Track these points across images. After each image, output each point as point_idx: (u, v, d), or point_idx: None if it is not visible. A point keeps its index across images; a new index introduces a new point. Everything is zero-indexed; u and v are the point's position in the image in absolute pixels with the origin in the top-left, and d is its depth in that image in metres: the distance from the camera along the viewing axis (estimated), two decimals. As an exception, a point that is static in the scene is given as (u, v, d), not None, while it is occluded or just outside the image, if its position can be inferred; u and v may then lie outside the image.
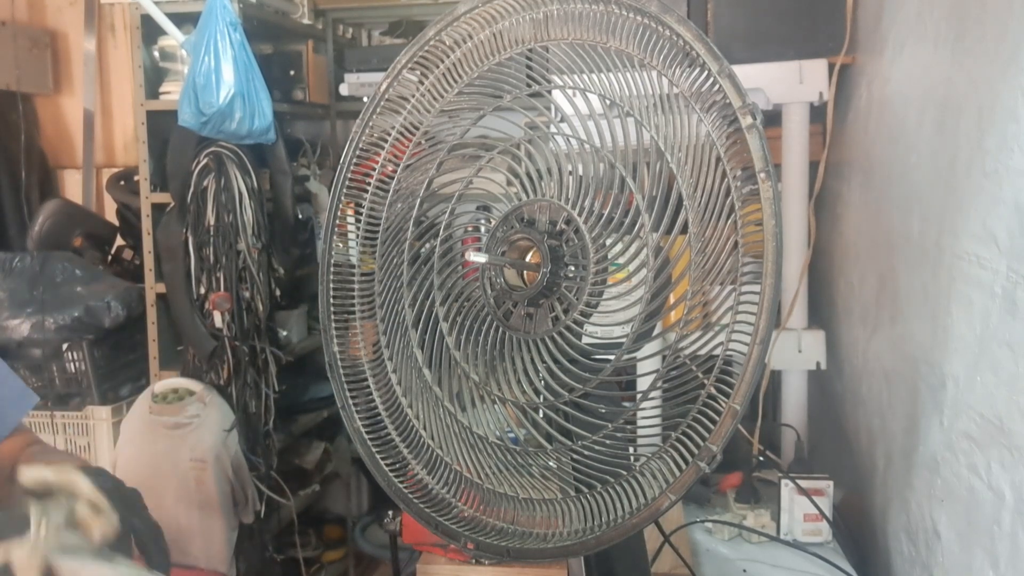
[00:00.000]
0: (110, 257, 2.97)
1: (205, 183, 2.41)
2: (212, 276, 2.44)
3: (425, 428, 1.15)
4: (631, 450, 1.03)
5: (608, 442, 1.00)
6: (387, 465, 1.18)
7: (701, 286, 0.95)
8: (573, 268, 1.03)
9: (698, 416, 0.93)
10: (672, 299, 0.99)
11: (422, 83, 1.17)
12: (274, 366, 2.52)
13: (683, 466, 0.94)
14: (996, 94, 1.20)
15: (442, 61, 1.15)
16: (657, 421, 1.01)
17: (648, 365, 1.03)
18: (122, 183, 2.93)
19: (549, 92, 1.07)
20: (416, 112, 1.18)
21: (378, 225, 1.20)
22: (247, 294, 2.47)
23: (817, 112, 2.07)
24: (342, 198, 1.23)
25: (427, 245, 1.16)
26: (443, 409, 1.13)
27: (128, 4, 2.54)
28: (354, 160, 1.22)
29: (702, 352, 0.95)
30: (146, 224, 2.58)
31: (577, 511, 1.02)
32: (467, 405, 1.12)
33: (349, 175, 1.22)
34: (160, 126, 2.53)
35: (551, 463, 1.05)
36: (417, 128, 1.18)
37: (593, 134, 1.02)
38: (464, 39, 1.13)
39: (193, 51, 2.24)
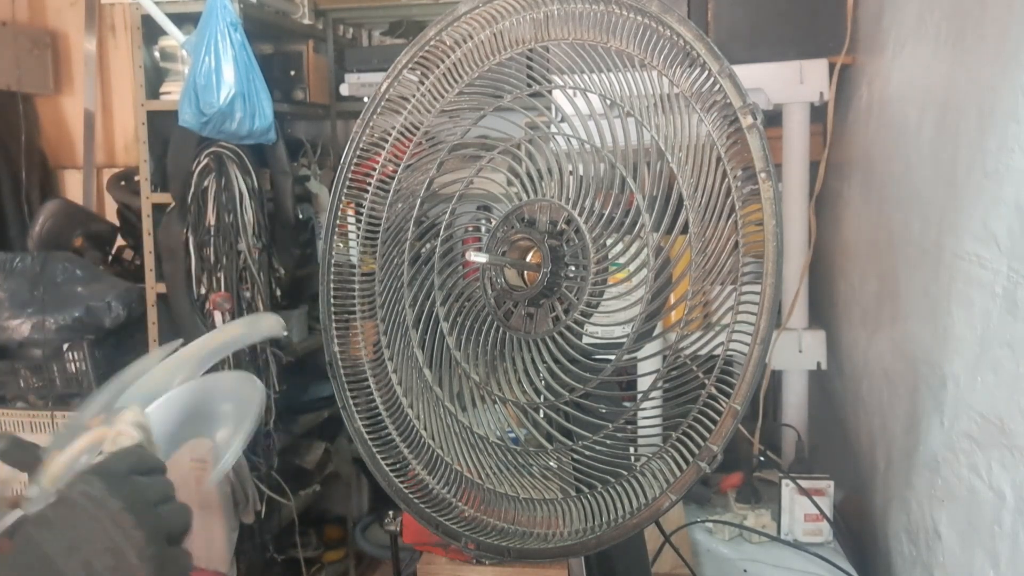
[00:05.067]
0: (110, 257, 2.97)
1: (206, 183, 2.41)
2: (213, 276, 2.44)
3: (426, 428, 1.15)
4: (632, 450, 1.03)
5: (609, 442, 1.00)
6: (388, 465, 1.18)
7: (702, 286, 0.95)
8: (573, 268, 1.03)
9: (699, 416, 0.94)
10: (673, 299, 0.99)
11: (422, 83, 1.17)
12: (274, 366, 2.52)
13: (684, 466, 0.94)
14: (996, 94, 1.20)
15: (442, 61, 1.15)
16: (658, 421, 1.01)
17: (649, 365, 1.03)
18: (122, 183, 2.93)
19: (549, 92, 1.07)
20: (416, 112, 1.18)
21: (378, 225, 1.20)
22: (248, 294, 2.47)
23: (817, 112, 2.07)
24: (342, 198, 1.23)
25: (427, 245, 1.16)
26: (444, 409, 1.13)
27: (128, 4, 2.53)
28: (354, 160, 1.22)
29: (703, 352, 0.95)
30: (147, 224, 2.58)
31: (578, 511, 1.02)
32: (468, 405, 1.12)
33: (349, 175, 1.22)
34: (160, 126, 2.53)
35: (552, 463, 1.05)
36: (417, 128, 1.18)
37: (593, 134, 1.02)
38: (464, 39, 1.13)
39: (193, 51, 2.24)
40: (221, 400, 0.85)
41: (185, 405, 0.83)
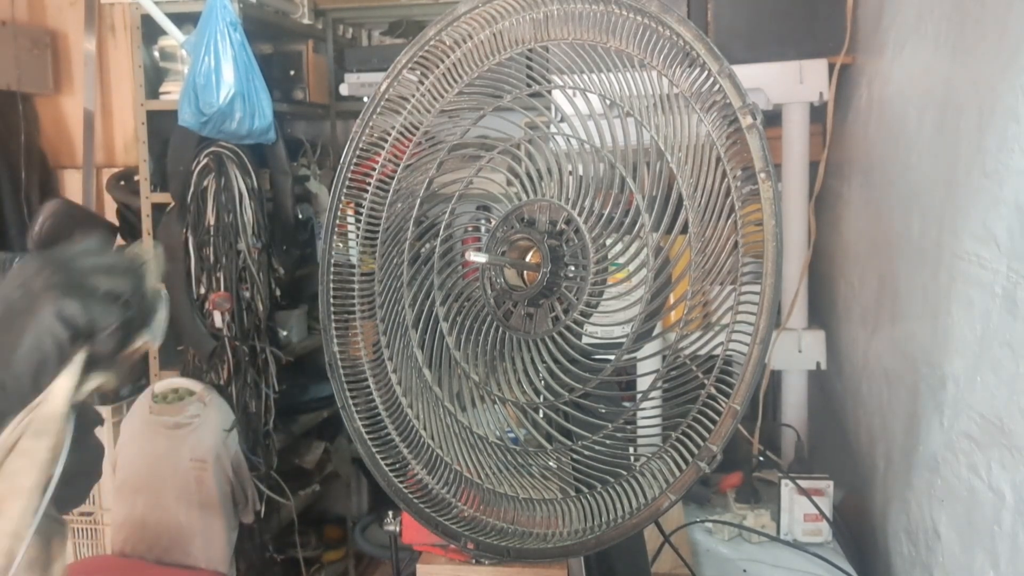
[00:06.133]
0: (110, 257, 2.97)
1: (205, 183, 2.41)
2: (212, 276, 2.45)
3: (425, 428, 1.15)
4: (631, 450, 1.03)
5: (608, 442, 1.00)
6: (387, 465, 1.18)
7: (701, 286, 0.94)
8: (573, 268, 1.03)
9: (698, 416, 0.93)
10: (672, 299, 0.99)
11: (422, 83, 1.17)
12: (274, 366, 2.52)
13: (683, 466, 0.94)
14: (996, 94, 1.20)
15: (442, 61, 1.15)
16: (657, 421, 1.01)
17: (648, 365, 1.03)
18: (122, 183, 2.93)
19: (549, 92, 1.07)
20: (416, 112, 1.18)
21: (378, 225, 1.20)
22: (247, 294, 2.47)
23: (817, 112, 2.07)
24: (342, 198, 1.23)
25: (427, 245, 1.16)
26: (443, 409, 1.13)
27: (128, 4, 2.54)
28: (354, 160, 1.22)
29: (702, 352, 0.95)
30: (146, 224, 2.58)
31: (577, 511, 1.02)
32: (467, 405, 1.12)
33: (349, 175, 1.22)
34: (160, 126, 2.53)
35: (551, 463, 1.05)
36: (417, 128, 1.18)
37: (593, 134, 1.02)
38: (464, 39, 1.13)
39: (193, 51, 2.25)
40: None
41: None
